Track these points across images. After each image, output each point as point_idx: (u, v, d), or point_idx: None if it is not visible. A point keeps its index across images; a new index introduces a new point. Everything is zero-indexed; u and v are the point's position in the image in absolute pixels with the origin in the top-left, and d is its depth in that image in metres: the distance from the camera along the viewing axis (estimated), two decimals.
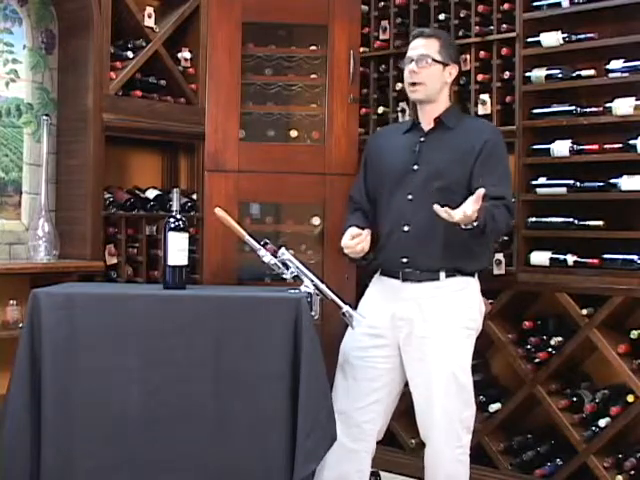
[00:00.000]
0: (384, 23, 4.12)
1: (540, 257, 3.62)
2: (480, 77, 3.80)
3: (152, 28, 3.91)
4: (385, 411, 2.97)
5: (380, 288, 2.98)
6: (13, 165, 3.72)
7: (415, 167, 2.92)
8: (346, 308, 2.74)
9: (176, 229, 2.68)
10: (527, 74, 3.67)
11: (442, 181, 2.85)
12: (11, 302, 3.51)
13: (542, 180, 3.64)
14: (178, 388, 2.53)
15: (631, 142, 3.41)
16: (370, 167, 3.10)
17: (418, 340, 2.84)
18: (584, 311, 3.50)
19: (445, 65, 2.94)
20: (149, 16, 3.90)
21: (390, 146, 3.05)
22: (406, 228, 2.88)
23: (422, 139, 2.96)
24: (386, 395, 2.95)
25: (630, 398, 3.39)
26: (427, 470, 2.93)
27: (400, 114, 4.00)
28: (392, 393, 2.96)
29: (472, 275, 2.92)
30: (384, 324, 2.89)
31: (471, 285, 2.92)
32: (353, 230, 2.93)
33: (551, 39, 3.61)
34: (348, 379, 2.93)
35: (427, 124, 2.99)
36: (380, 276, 3.00)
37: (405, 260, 2.87)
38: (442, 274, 2.86)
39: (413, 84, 2.93)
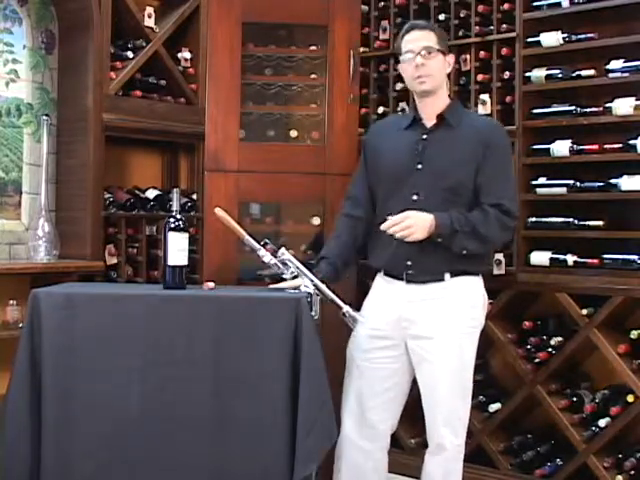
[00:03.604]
0: (384, 23, 4.12)
1: (540, 257, 3.62)
2: (480, 77, 3.80)
3: (152, 28, 3.91)
4: (397, 409, 2.97)
5: (384, 289, 2.94)
6: (13, 165, 3.72)
7: (419, 166, 2.86)
8: (346, 308, 2.73)
9: (176, 229, 2.68)
10: (527, 74, 3.67)
11: (448, 181, 2.82)
12: (11, 302, 3.51)
13: (542, 180, 3.64)
14: (178, 388, 2.53)
15: (631, 142, 3.41)
16: (370, 166, 3.02)
17: (424, 341, 2.83)
18: (584, 311, 3.50)
19: (445, 55, 2.90)
20: (149, 16, 3.90)
21: (390, 143, 2.97)
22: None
23: (425, 137, 2.89)
24: (396, 393, 2.94)
25: (630, 398, 3.39)
26: (425, 468, 2.93)
27: (400, 114, 3.99)
28: (402, 391, 2.95)
29: (476, 274, 2.92)
30: (389, 325, 2.87)
31: (475, 284, 2.90)
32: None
33: (551, 39, 3.61)
34: (357, 380, 2.91)
35: (429, 120, 2.91)
36: (384, 276, 2.96)
37: (409, 263, 2.84)
38: (447, 275, 2.84)
39: (420, 76, 2.86)
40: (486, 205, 2.80)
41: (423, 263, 2.82)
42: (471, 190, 2.83)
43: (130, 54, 3.86)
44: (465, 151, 2.85)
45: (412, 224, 2.72)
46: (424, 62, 2.85)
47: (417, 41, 2.87)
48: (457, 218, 2.75)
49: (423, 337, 2.83)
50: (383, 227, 2.75)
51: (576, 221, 3.55)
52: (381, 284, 2.97)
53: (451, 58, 2.95)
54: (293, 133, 3.69)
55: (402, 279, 2.87)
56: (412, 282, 2.85)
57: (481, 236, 2.78)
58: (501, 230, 2.84)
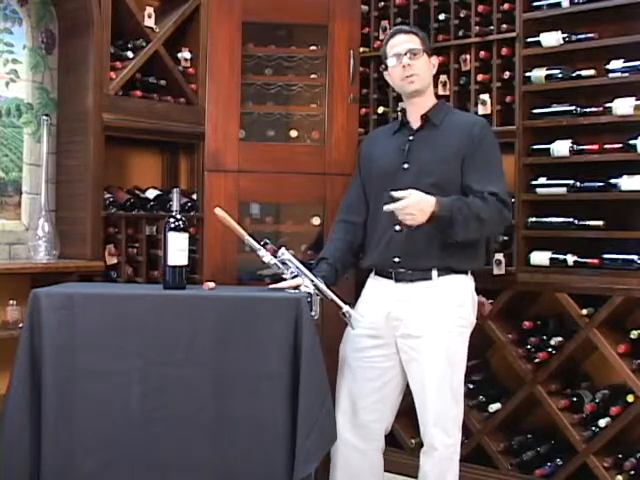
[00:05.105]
0: (384, 23, 4.11)
1: (540, 257, 3.62)
2: (480, 77, 3.79)
3: (152, 28, 3.90)
4: (390, 408, 2.98)
5: (375, 288, 2.98)
6: (13, 165, 3.72)
7: (405, 166, 2.92)
8: (346, 308, 2.74)
9: (176, 229, 2.68)
10: (527, 74, 3.67)
11: (432, 178, 2.85)
12: (11, 302, 3.50)
13: (542, 180, 3.64)
14: (178, 388, 2.53)
15: (631, 142, 3.41)
16: (364, 172, 3.08)
17: (412, 340, 2.85)
18: (584, 311, 3.50)
19: (429, 56, 2.99)
20: (149, 16, 3.90)
21: (381, 148, 3.05)
22: (397, 227, 2.86)
23: (411, 138, 2.96)
24: (389, 393, 2.95)
25: (630, 398, 3.39)
26: (420, 468, 2.93)
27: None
28: (396, 390, 2.96)
29: (465, 273, 2.93)
30: (380, 324, 2.90)
31: (463, 283, 2.92)
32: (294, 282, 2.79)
33: (551, 39, 3.61)
34: (349, 380, 2.93)
35: (415, 121, 2.99)
36: (375, 276, 3.00)
37: (397, 260, 2.87)
38: (434, 273, 2.86)
39: (408, 76, 2.93)
40: (485, 193, 2.81)
41: (411, 259, 2.86)
42: (457, 186, 2.87)
43: (130, 54, 3.86)
44: (450, 148, 2.89)
45: (413, 204, 2.70)
46: (411, 62, 2.92)
47: (402, 44, 2.95)
48: (456, 202, 2.76)
49: (411, 336, 2.85)
50: (386, 208, 2.74)
51: (576, 221, 3.55)
52: (372, 284, 3.01)
53: (435, 60, 3.04)
54: (293, 133, 3.69)
55: (391, 278, 2.90)
56: (401, 281, 2.89)
57: (480, 220, 2.78)
58: (499, 218, 2.85)
